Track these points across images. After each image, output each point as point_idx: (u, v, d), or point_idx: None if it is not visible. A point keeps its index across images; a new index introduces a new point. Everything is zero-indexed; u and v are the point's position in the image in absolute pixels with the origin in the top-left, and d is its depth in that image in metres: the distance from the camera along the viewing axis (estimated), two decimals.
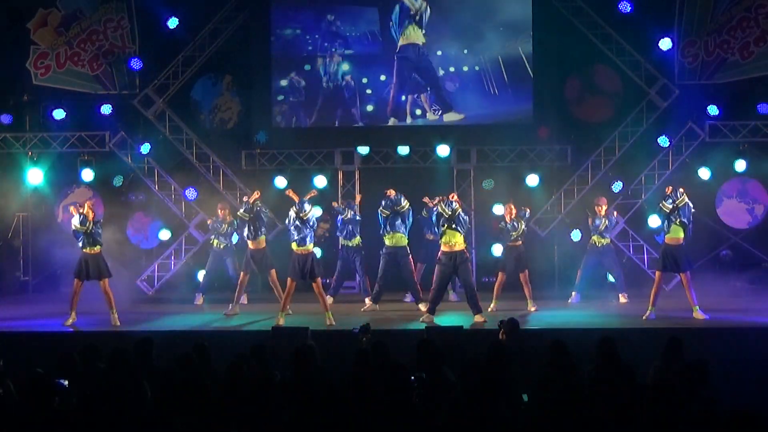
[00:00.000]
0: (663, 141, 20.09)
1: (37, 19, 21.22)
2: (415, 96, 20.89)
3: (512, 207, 17.87)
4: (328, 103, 21.12)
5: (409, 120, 20.91)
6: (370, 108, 21.04)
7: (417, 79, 20.87)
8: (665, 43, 20.14)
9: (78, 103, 21.11)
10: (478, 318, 15.98)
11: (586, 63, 20.78)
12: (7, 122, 20.92)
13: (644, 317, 16.01)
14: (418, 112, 20.95)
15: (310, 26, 21.11)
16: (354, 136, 21.00)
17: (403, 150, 20.56)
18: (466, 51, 20.82)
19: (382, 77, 20.97)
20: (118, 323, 16.13)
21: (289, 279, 16.42)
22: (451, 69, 20.89)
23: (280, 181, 20.40)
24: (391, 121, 20.98)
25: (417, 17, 20.79)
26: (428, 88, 20.83)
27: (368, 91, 21.06)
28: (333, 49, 21.04)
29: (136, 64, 20.89)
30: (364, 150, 20.76)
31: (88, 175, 20.89)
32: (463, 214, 16.41)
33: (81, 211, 16.46)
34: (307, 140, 21.13)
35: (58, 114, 20.90)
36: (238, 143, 21.23)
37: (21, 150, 20.98)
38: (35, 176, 20.83)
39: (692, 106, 20.12)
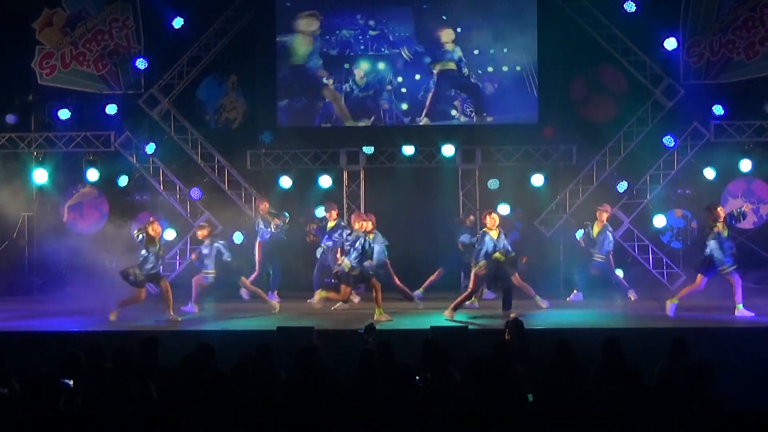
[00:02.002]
0: (668, 141, 20.08)
1: (43, 19, 21.23)
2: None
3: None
4: (364, 102, 21.22)
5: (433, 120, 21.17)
6: (405, 107, 21.12)
7: (457, 93, 20.97)
8: (670, 43, 20.14)
9: (83, 103, 21.14)
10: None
11: (591, 63, 20.77)
12: (13, 122, 20.95)
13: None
14: (454, 112, 21.02)
15: (349, 27, 21.24)
16: (359, 136, 21.01)
17: (408, 150, 20.57)
18: (506, 50, 20.96)
19: (417, 76, 21.08)
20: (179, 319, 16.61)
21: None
22: (490, 69, 20.95)
23: (285, 181, 20.49)
24: (424, 121, 21.09)
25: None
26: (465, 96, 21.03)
27: (403, 90, 21.14)
28: (368, 49, 21.17)
29: (141, 63, 20.89)
30: (369, 150, 20.76)
31: (93, 175, 20.88)
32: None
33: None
34: (312, 140, 21.15)
35: (63, 114, 20.94)
36: (243, 143, 21.26)
37: (26, 150, 21.01)
38: (40, 176, 20.86)
39: (697, 106, 20.11)
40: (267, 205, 19.58)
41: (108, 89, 21.23)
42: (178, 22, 20.74)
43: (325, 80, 21.20)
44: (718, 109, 20.07)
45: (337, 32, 21.19)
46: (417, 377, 8.90)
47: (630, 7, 20.12)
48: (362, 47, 21.17)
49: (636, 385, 8.73)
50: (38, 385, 8.23)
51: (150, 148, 20.69)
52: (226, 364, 9.58)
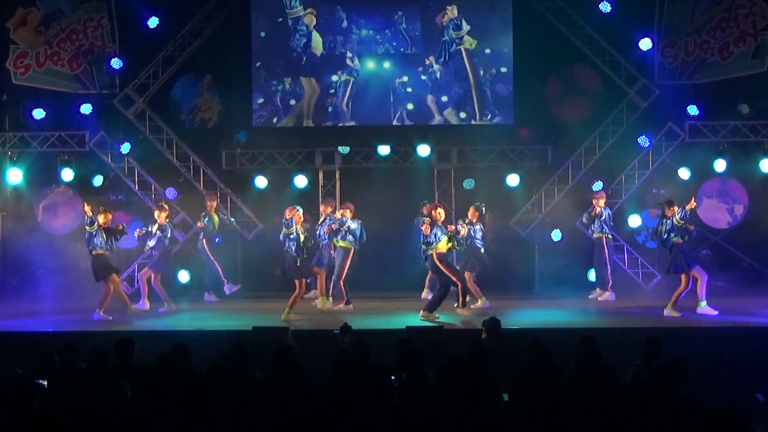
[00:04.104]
0: (643, 141, 20.15)
1: (17, 18, 21.11)
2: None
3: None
4: (369, 101, 21.23)
5: (454, 120, 21.20)
6: (410, 106, 21.12)
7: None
8: (645, 43, 20.21)
9: (58, 103, 21.03)
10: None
11: (567, 63, 20.77)
12: None
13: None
14: (463, 115, 21.04)
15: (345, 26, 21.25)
16: (334, 136, 21.00)
17: (384, 150, 20.57)
18: (505, 50, 20.98)
19: (423, 77, 21.09)
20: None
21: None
22: (503, 69, 20.96)
23: (261, 181, 20.48)
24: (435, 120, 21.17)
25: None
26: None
27: (408, 90, 21.13)
28: (373, 49, 21.21)
29: (116, 63, 20.82)
30: (344, 150, 20.75)
31: (67, 174, 20.78)
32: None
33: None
34: (288, 140, 21.13)
35: (38, 113, 20.82)
36: (219, 143, 21.22)
37: (0, 150, 20.86)
38: (15, 176, 20.71)
39: (672, 106, 20.19)
40: (216, 203, 19.79)
41: (83, 89, 21.14)
42: (153, 22, 20.66)
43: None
44: (692, 110, 20.16)
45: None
46: (392, 377, 8.90)
47: (605, 7, 20.16)
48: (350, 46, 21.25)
49: (611, 384, 8.75)
50: (12, 385, 8.19)
51: (125, 147, 20.62)
52: (202, 364, 9.56)
